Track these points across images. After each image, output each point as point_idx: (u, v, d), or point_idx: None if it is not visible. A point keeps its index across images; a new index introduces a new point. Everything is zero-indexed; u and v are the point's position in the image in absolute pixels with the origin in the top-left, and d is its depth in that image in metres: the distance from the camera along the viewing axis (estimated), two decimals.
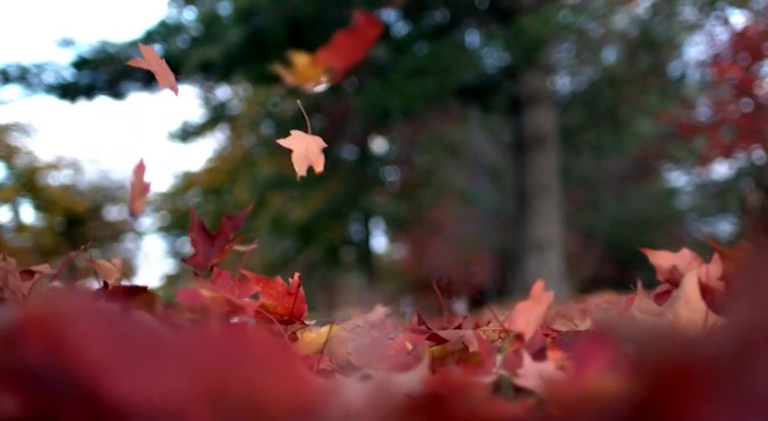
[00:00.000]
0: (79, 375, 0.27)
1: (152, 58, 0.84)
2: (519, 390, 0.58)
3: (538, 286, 0.82)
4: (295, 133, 0.94)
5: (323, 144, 0.94)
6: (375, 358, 0.63)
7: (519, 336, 0.74)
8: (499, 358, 0.64)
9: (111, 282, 0.90)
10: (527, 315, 0.81)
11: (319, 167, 0.93)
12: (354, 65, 0.54)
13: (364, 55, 0.53)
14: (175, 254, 19.56)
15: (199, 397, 0.28)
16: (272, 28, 9.26)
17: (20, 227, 16.31)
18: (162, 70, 0.84)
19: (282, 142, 0.93)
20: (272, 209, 13.35)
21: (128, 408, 0.27)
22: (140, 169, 0.75)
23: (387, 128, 12.25)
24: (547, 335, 0.84)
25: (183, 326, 0.44)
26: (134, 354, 0.28)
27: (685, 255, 0.91)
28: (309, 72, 0.51)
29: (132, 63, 0.85)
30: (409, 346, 0.79)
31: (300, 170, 0.92)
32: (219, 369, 0.30)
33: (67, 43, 10.27)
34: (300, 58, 0.50)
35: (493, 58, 10.20)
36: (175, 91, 0.87)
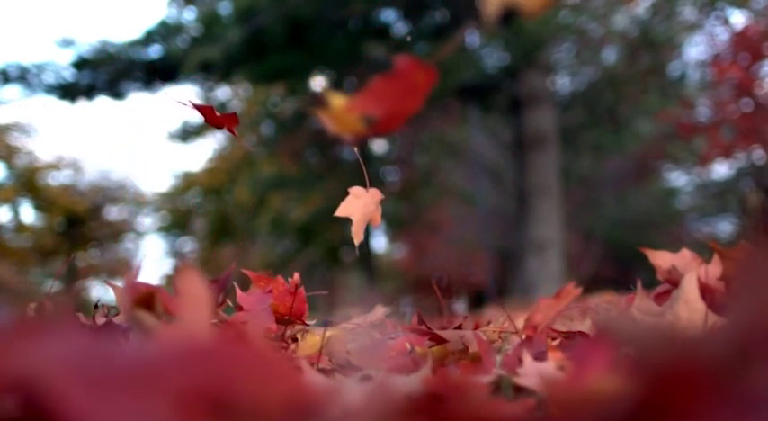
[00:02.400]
0: None
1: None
2: (519, 390, 0.58)
3: (570, 287, 0.82)
4: (354, 192, 0.85)
5: (381, 195, 0.88)
6: (375, 358, 0.63)
7: (529, 336, 0.74)
8: (499, 358, 0.64)
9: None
10: (546, 310, 0.82)
11: (377, 221, 0.88)
12: (401, 118, 0.45)
13: (414, 108, 0.44)
14: (175, 254, 19.57)
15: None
16: (272, 28, 9.26)
17: (20, 227, 16.31)
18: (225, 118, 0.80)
19: (340, 212, 0.85)
20: (272, 209, 13.36)
21: None
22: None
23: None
24: (550, 336, 0.84)
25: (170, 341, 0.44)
26: (115, 401, 0.26)
27: (685, 255, 0.91)
28: (345, 118, 0.44)
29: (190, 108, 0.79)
30: (409, 347, 0.79)
31: (358, 237, 0.86)
32: (211, 386, 0.29)
33: (67, 43, 10.27)
34: (336, 100, 0.43)
35: (493, 58, 10.21)
36: (233, 132, 0.84)
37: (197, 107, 0.80)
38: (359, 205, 0.83)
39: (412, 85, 0.42)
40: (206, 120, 0.81)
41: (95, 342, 0.29)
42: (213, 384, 0.29)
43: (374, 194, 0.87)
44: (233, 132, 0.82)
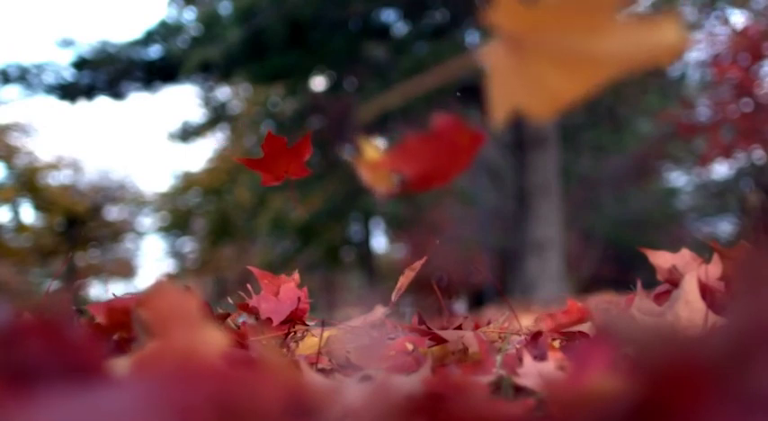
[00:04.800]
0: None
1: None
2: (519, 390, 0.58)
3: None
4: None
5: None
6: (375, 358, 0.63)
7: (535, 336, 0.74)
8: (499, 358, 0.64)
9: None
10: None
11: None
12: (436, 180, 0.42)
13: (453, 172, 0.41)
14: (175, 254, 19.57)
15: None
16: (272, 28, 9.26)
17: (20, 227, 16.31)
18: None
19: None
20: (272, 209, 13.36)
21: None
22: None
23: (387, 128, 12.25)
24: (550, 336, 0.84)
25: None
26: None
27: (685, 255, 0.91)
28: (375, 170, 0.42)
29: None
30: (409, 347, 0.79)
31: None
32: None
33: (67, 43, 10.27)
34: (371, 151, 0.41)
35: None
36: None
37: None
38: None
39: (452, 147, 0.40)
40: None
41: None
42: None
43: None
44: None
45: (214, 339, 0.43)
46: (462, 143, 0.40)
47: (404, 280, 0.93)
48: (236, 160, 0.89)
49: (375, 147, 0.42)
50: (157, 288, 0.48)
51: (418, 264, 0.94)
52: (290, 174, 0.84)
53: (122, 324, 0.59)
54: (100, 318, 0.61)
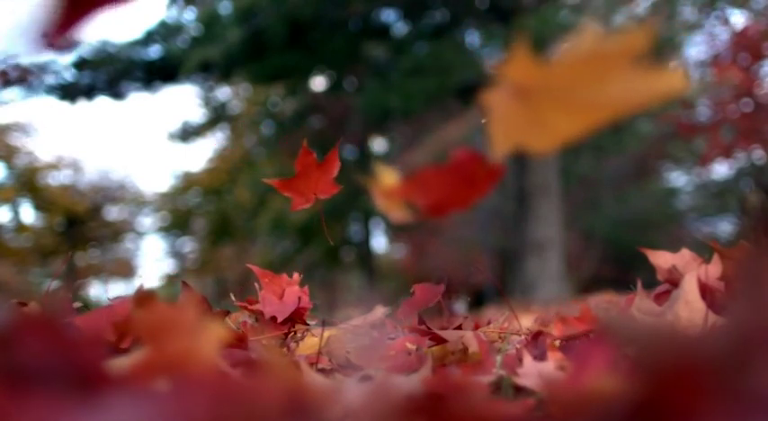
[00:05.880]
0: None
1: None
2: (519, 390, 0.58)
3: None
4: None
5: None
6: (375, 358, 0.63)
7: (535, 336, 0.74)
8: (499, 358, 0.64)
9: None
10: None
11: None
12: (449, 209, 0.42)
13: (466, 203, 0.41)
14: (175, 254, 19.57)
15: None
16: (272, 28, 9.26)
17: (20, 227, 16.31)
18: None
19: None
20: (272, 209, 13.36)
21: None
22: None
23: (387, 128, 12.25)
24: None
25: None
26: None
27: (685, 255, 0.91)
28: (391, 197, 0.41)
29: None
30: (414, 347, 0.79)
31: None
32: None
33: None
34: (388, 177, 0.40)
35: (493, 58, 10.21)
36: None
37: None
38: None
39: (469, 179, 0.40)
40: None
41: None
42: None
43: None
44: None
45: (213, 339, 0.43)
46: (480, 175, 0.40)
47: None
48: (268, 182, 0.84)
49: (392, 175, 0.42)
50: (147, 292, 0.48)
51: None
52: (319, 194, 0.82)
53: (121, 325, 0.59)
54: (100, 320, 0.61)
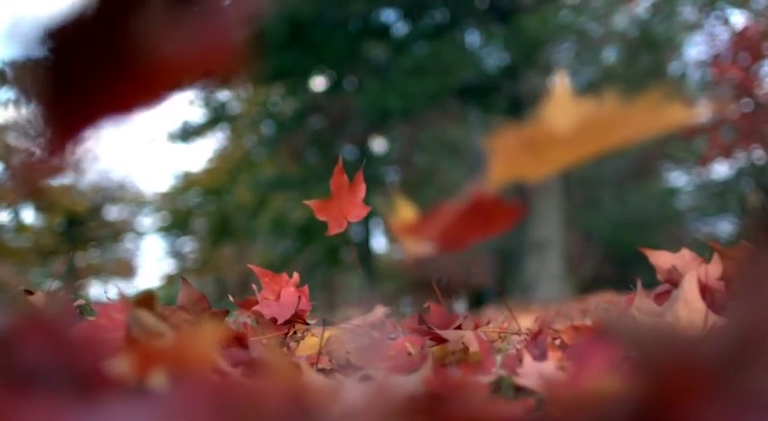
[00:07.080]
0: None
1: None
2: (519, 390, 0.58)
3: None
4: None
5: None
6: (375, 358, 0.63)
7: (535, 336, 0.74)
8: (499, 358, 0.64)
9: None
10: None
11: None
12: (462, 245, 0.42)
13: (479, 240, 0.41)
14: (175, 254, 19.57)
15: None
16: (272, 28, 9.26)
17: (20, 227, 16.31)
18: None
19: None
20: (272, 209, 13.36)
21: None
22: None
23: (387, 128, 12.25)
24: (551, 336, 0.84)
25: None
26: None
27: (685, 255, 0.91)
28: (407, 233, 0.41)
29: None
30: (410, 347, 0.79)
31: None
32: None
33: None
34: (405, 211, 0.40)
35: (493, 57, 10.21)
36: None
37: None
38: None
39: (487, 219, 0.40)
40: None
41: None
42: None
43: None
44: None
45: (212, 338, 0.43)
46: (498, 216, 0.40)
47: None
48: (307, 204, 0.81)
49: (409, 210, 0.42)
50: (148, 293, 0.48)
51: None
52: (350, 218, 0.79)
53: (121, 325, 0.59)
54: (99, 320, 0.61)
